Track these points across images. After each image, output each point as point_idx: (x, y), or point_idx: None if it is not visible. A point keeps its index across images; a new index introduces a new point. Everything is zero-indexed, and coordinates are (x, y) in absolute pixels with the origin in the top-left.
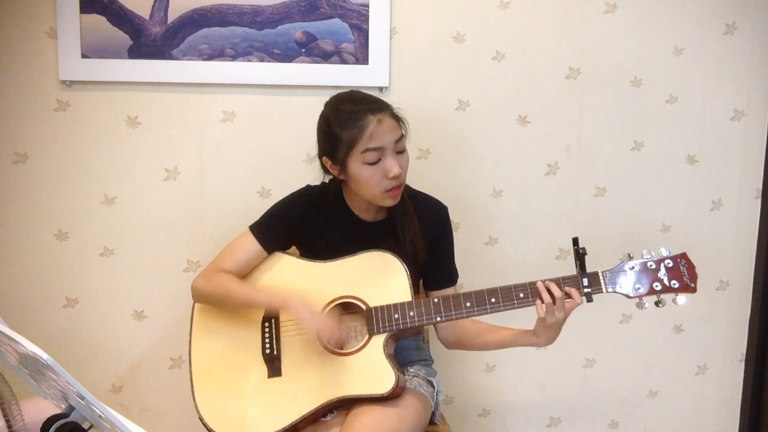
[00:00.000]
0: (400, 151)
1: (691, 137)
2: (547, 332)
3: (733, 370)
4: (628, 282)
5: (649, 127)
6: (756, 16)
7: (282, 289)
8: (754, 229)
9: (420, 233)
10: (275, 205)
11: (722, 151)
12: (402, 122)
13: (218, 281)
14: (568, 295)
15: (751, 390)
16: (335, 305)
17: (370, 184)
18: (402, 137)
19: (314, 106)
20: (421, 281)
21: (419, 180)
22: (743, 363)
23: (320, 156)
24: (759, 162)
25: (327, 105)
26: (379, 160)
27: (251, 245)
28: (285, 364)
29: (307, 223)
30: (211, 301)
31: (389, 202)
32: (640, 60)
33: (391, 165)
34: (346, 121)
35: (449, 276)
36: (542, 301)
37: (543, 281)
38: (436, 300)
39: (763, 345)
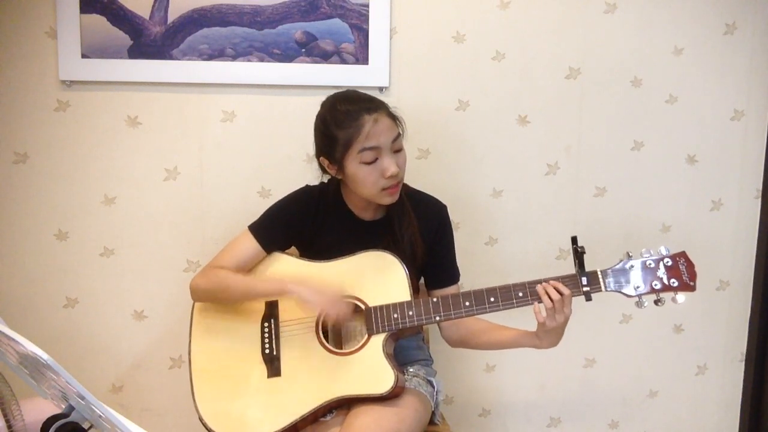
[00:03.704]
0: (398, 150)
1: (691, 137)
2: (548, 336)
3: (733, 370)
4: (627, 281)
5: (649, 127)
6: (756, 16)
7: (280, 277)
8: (754, 229)
9: (418, 232)
10: (274, 205)
11: (722, 151)
12: (399, 121)
13: (217, 276)
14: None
15: (751, 390)
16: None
17: (367, 183)
18: (399, 136)
19: (314, 106)
20: (422, 280)
21: (419, 180)
22: (743, 363)
23: (317, 156)
24: (759, 162)
25: (323, 105)
26: (377, 159)
27: (250, 245)
28: (284, 364)
29: (305, 223)
30: (211, 297)
31: (388, 200)
32: (640, 60)
33: (389, 164)
34: (342, 121)
35: (451, 274)
36: (539, 302)
37: (542, 283)
38: (435, 299)
39: (763, 345)
